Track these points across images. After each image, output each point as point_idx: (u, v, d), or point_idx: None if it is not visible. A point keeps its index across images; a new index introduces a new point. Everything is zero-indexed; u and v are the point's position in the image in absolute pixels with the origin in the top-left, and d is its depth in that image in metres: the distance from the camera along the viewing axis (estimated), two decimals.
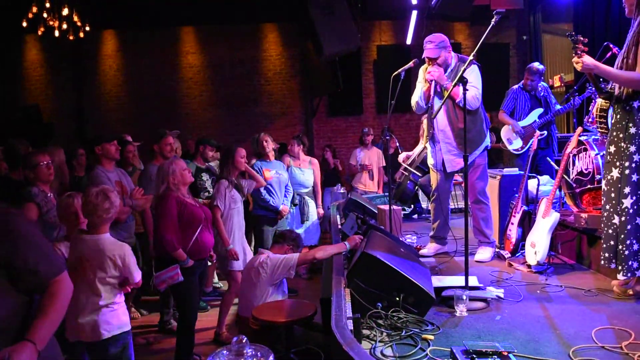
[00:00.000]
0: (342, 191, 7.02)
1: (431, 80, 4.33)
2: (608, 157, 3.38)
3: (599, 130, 3.65)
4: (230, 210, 4.87)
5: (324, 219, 6.84)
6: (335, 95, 11.18)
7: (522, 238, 4.35)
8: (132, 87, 11.65)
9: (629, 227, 3.22)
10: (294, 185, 6.42)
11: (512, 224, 4.43)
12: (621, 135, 3.27)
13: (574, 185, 4.55)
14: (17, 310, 1.90)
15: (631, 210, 3.22)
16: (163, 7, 10.47)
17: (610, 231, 3.36)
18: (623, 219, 3.24)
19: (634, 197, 3.21)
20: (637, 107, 3.20)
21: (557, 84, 10.28)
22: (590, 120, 4.89)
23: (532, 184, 4.73)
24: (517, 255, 4.40)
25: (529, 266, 4.06)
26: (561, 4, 10.09)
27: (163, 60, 11.56)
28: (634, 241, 3.22)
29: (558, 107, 6.23)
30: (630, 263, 3.22)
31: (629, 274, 3.24)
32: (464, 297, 3.13)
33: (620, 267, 3.26)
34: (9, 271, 1.86)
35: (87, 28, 9.19)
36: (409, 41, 10.27)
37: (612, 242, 3.34)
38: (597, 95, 3.62)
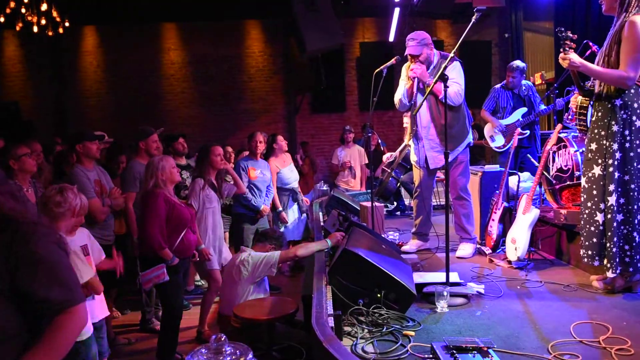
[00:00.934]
0: (324, 188, 7.02)
1: (414, 78, 4.34)
2: (589, 155, 3.39)
3: (578, 127, 3.67)
4: (204, 210, 4.77)
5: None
6: (318, 92, 11.18)
7: (502, 234, 4.39)
8: (113, 84, 11.53)
9: (614, 224, 3.25)
10: (290, 184, 6.44)
11: (493, 220, 4.46)
12: (603, 133, 3.29)
13: (554, 181, 4.60)
14: (12, 336, 1.62)
15: (615, 207, 3.25)
16: (144, 2, 10.37)
17: (592, 228, 3.37)
18: (609, 216, 3.27)
19: (617, 194, 3.25)
20: (619, 105, 3.23)
21: (538, 81, 10.38)
22: (569, 117, 4.94)
23: (512, 181, 4.77)
24: (498, 251, 4.43)
25: (510, 262, 4.09)
26: (542, 2, 10.18)
27: (144, 56, 11.46)
28: (617, 238, 3.25)
29: (542, 107, 6.27)
30: (617, 260, 3.26)
31: (617, 270, 3.27)
32: (445, 294, 3.15)
33: (609, 265, 3.28)
34: (16, 295, 1.59)
35: (67, 24, 9.05)
36: (391, 38, 10.29)
37: (594, 240, 3.36)
38: (578, 93, 3.64)
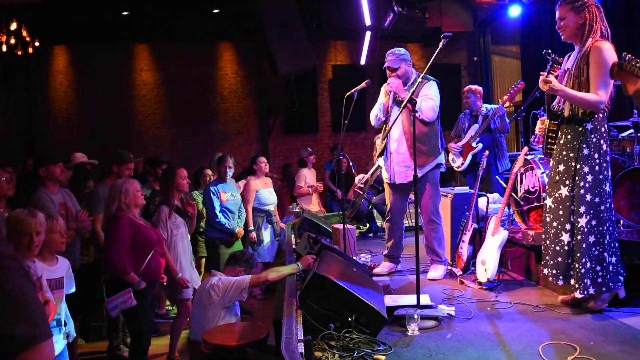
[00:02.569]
0: (297, 210, 7.00)
1: (390, 92, 4.41)
2: (556, 177, 3.44)
3: (547, 151, 3.64)
4: (173, 237, 4.64)
5: None
6: (291, 114, 11.21)
7: (473, 255, 4.43)
8: (84, 104, 11.39)
9: (583, 245, 3.30)
10: (267, 205, 6.42)
11: (464, 241, 4.50)
12: (572, 155, 3.35)
13: (522, 203, 4.68)
14: None
15: (585, 230, 3.30)
16: (116, 23, 10.32)
17: (557, 248, 3.42)
18: (579, 237, 3.31)
19: (588, 217, 3.30)
20: (589, 129, 3.31)
21: (506, 104, 10.60)
22: (536, 140, 5.04)
23: (482, 202, 4.83)
24: (468, 272, 4.47)
25: (480, 283, 4.13)
26: (509, 27, 10.46)
27: (116, 77, 11.37)
28: (587, 259, 3.30)
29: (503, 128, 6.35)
30: (585, 281, 3.29)
31: (585, 292, 3.30)
32: (416, 316, 3.16)
33: (577, 285, 3.32)
34: None
35: (37, 43, 8.95)
36: (363, 61, 10.44)
37: (559, 259, 3.41)
38: (545, 116, 3.61)
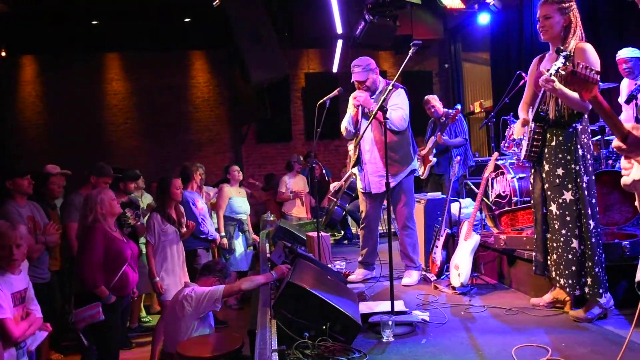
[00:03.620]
0: (271, 218, 6.98)
1: (358, 105, 4.42)
2: (556, 180, 3.31)
3: (531, 155, 3.49)
4: (161, 243, 4.76)
5: None
6: (264, 122, 11.21)
7: (446, 260, 4.46)
8: (53, 115, 11.20)
9: (597, 249, 3.22)
10: (240, 214, 6.39)
11: (437, 247, 4.54)
12: (568, 157, 3.26)
13: (494, 207, 4.74)
14: None
15: (594, 232, 3.22)
16: (86, 32, 10.19)
17: (570, 256, 3.28)
18: (590, 241, 3.21)
19: (594, 219, 3.24)
20: (580, 130, 3.26)
21: (477, 109, 10.78)
22: (506, 145, 5.13)
23: (454, 208, 4.88)
24: (442, 277, 4.50)
25: (454, 288, 4.16)
26: (479, 34, 10.64)
27: (86, 86, 11.21)
28: (598, 262, 3.21)
29: (458, 139, 6.42)
30: (599, 285, 3.20)
31: (602, 297, 3.22)
32: (390, 323, 3.16)
33: (600, 290, 3.21)
34: None
35: (3, 53, 8.79)
36: (335, 69, 10.50)
37: (574, 268, 3.26)
38: (529, 120, 3.47)
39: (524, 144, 3.50)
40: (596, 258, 3.21)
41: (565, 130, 3.29)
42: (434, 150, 6.33)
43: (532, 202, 3.59)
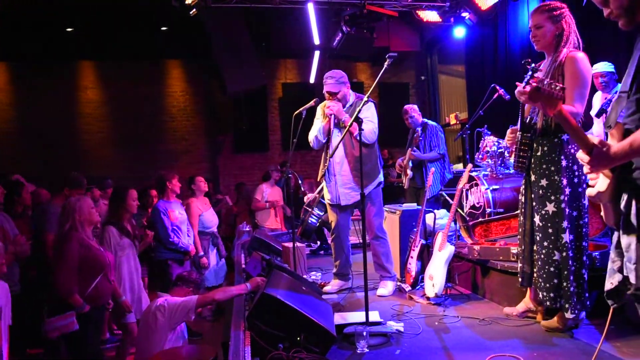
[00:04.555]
0: (247, 229, 6.93)
1: (330, 115, 4.43)
2: (540, 191, 3.27)
3: (519, 165, 3.42)
4: (118, 259, 4.58)
5: None
6: (241, 132, 11.18)
7: (421, 271, 4.48)
8: (25, 123, 10.99)
9: (570, 262, 3.18)
10: (211, 227, 6.33)
11: (412, 257, 4.55)
12: (552, 168, 3.21)
13: (468, 218, 4.78)
14: None
15: (569, 245, 3.18)
16: (60, 39, 10.06)
17: (552, 269, 3.24)
18: (564, 254, 3.18)
19: (569, 231, 3.18)
20: (566, 140, 3.19)
21: (453, 121, 10.92)
22: (480, 156, 5.19)
23: (429, 218, 4.91)
24: (417, 287, 4.51)
25: (428, 298, 4.17)
26: (454, 47, 10.80)
27: (59, 94, 11.05)
28: (573, 277, 3.18)
29: (434, 152, 6.47)
30: (576, 299, 3.17)
31: (576, 311, 3.17)
32: (365, 333, 3.16)
33: (567, 305, 3.19)
34: None
35: None
36: (312, 80, 10.54)
37: (555, 280, 3.23)
38: (516, 129, 3.42)
39: (515, 153, 3.44)
40: (566, 273, 3.19)
41: (551, 141, 3.24)
42: (410, 164, 6.37)
43: (520, 212, 3.52)
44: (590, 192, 2.12)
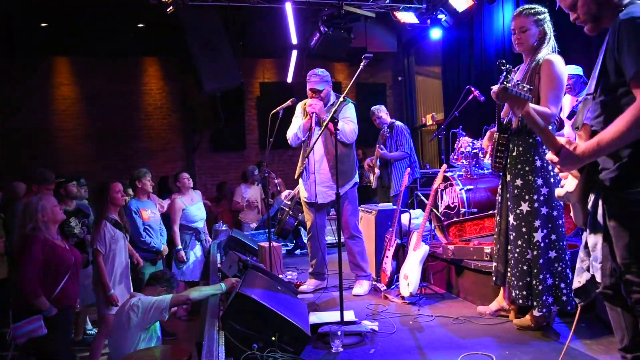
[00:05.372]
0: (224, 228, 6.90)
1: (312, 113, 4.44)
2: (515, 191, 3.31)
3: (496, 165, 3.46)
4: (111, 251, 4.63)
5: None
6: (218, 131, 11.11)
7: (396, 270, 4.51)
8: None
9: (541, 261, 3.20)
10: (196, 222, 6.29)
11: (387, 257, 4.58)
12: (527, 168, 3.26)
13: (443, 218, 4.83)
14: None
15: (542, 244, 3.21)
16: (34, 34, 9.86)
17: (525, 267, 3.28)
18: (535, 253, 3.22)
19: (545, 231, 3.22)
20: (540, 141, 3.21)
21: (429, 122, 11.01)
22: (455, 157, 5.25)
23: (405, 218, 4.95)
24: (392, 287, 4.54)
25: (403, 298, 4.21)
26: (431, 49, 10.90)
27: (33, 91, 10.78)
28: (548, 275, 3.20)
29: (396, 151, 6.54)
30: (544, 298, 3.19)
31: (544, 310, 3.20)
32: (339, 333, 3.17)
33: (535, 303, 3.23)
34: None
35: None
36: (289, 79, 10.53)
37: (528, 279, 3.27)
38: (495, 130, 3.47)
39: (492, 154, 3.47)
40: (535, 271, 3.23)
41: (526, 141, 3.29)
42: (378, 162, 6.45)
43: (496, 211, 3.56)
44: (559, 192, 2.17)
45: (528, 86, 2.13)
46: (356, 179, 4.66)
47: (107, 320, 4.57)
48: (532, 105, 3.02)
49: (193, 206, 6.30)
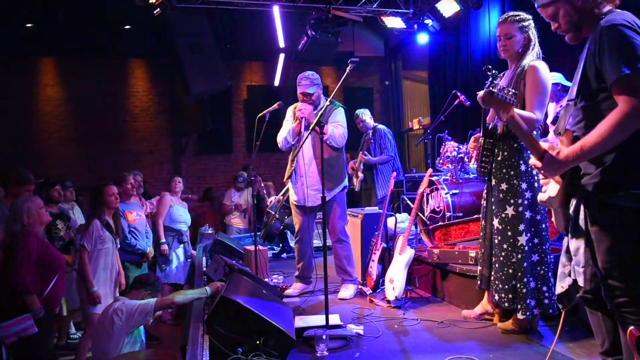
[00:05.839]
0: (210, 232, 6.88)
1: (301, 117, 4.45)
2: (500, 195, 3.34)
3: (481, 169, 3.49)
4: (96, 251, 4.61)
5: None
6: (205, 134, 11.07)
7: (382, 274, 4.52)
8: None
9: (525, 264, 3.24)
10: (180, 223, 6.31)
11: (373, 260, 4.59)
12: (512, 173, 3.29)
13: (428, 222, 4.85)
14: None
15: (526, 248, 3.24)
16: (19, 35, 9.76)
17: (510, 271, 3.30)
18: (519, 256, 3.25)
19: (529, 234, 3.25)
20: (524, 146, 3.20)
21: (416, 126, 11.04)
22: (441, 161, 5.28)
23: (390, 222, 4.96)
24: (378, 291, 4.55)
25: (388, 301, 4.21)
26: (418, 53, 10.94)
27: (17, 92, 10.67)
28: (531, 279, 3.24)
29: (380, 155, 6.61)
30: (528, 301, 3.22)
31: (527, 313, 3.23)
32: (324, 337, 3.16)
33: (519, 306, 3.26)
34: None
35: None
36: (277, 83, 10.54)
37: (513, 282, 3.29)
38: (480, 135, 3.51)
39: (477, 158, 3.50)
40: (520, 274, 3.26)
41: (510, 146, 3.32)
42: (361, 167, 6.49)
43: (482, 216, 3.59)
44: (541, 197, 2.19)
45: (513, 91, 2.15)
46: (346, 182, 4.66)
47: (92, 320, 4.53)
48: (517, 110, 3.09)
49: (180, 206, 6.36)
